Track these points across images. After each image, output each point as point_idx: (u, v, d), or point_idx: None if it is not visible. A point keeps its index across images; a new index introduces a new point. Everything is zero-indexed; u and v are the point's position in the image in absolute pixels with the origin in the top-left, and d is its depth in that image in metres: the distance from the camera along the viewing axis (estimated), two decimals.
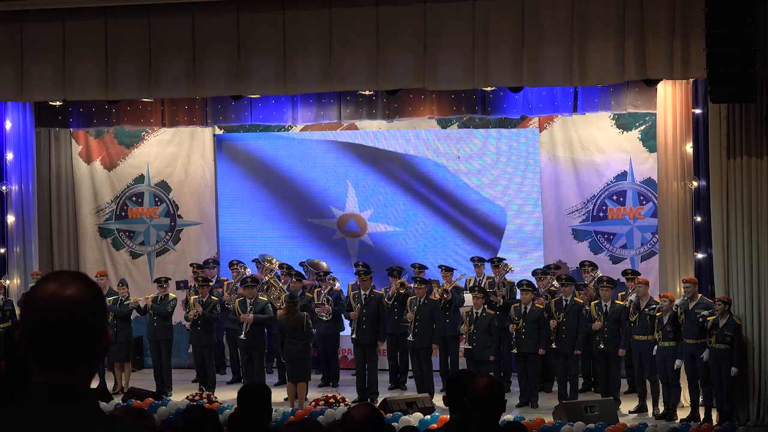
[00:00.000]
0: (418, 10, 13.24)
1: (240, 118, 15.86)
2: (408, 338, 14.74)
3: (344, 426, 4.41)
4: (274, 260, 16.19)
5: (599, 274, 15.15)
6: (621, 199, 16.37)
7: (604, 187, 16.42)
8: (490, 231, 16.92)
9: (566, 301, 14.22)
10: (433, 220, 17.07)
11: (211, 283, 15.72)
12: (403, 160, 17.14)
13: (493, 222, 16.88)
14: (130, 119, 16.16)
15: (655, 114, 14.06)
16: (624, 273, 14.86)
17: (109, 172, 17.98)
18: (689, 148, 13.65)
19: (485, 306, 14.42)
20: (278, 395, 13.81)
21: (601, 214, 16.46)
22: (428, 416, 12.74)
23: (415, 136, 17.12)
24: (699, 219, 13.66)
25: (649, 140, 15.83)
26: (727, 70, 11.35)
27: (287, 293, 14.88)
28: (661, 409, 13.44)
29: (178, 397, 14.40)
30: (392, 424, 11.37)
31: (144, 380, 15.47)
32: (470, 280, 15.78)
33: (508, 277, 15.52)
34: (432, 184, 17.05)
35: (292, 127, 17.11)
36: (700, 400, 13.16)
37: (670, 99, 13.64)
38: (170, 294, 15.33)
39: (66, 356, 2.35)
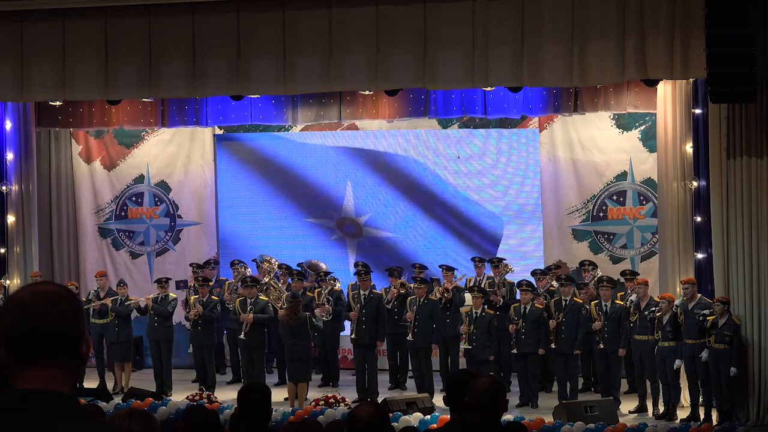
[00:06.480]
0: (418, 10, 13.23)
1: (240, 118, 15.85)
2: (407, 338, 14.74)
3: (350, 425, 4.41)
4: (274, 260, 16.17)
5: (599, 273, 15.14)
6: (621, 199, 16.36)
7: (604, 187, 16.41)
8: (487, 236, 16.91)
9: (566, 301, 14.22)
10: (432, 222, 17.05)
11: (211, 283, 15.72)
12: (403, 162, 17.13)
13: (491, 228, 16.89)
14: (130, 119, 16.15)
15: (655, 114, 14.06)
16: (623, 273, 14.83)
17: (109, 172, 17.98)
18: (689, 148, 13.65)
19: (485, 306, 14.42)
20: (278, 395, 13.81)
21: (601, 214, 16.45)
22: (428, 416, 12.74)
23: (415, 137, 17.10)
24: (699, 219, 13.66)
25: (649, 140, 15.83)
26: (727, 70, 11.34)
27: (288, 293, 14.87)
28: (661, 409, 13.44)
29: (178, 397, 14.40)
30: (392, 424, 11.38)
31: (144, 380, 15.47)
32: (470, 280, 15.78)
33: (508, 277, 15.53)
34: (430, 188, 17.03)
35: (292, 127, 17.10)
36: (700, 400, 13.16)
37: (670, 99, 13.64)
38: (170, 294, 15.33)
39: (45, 354, 2.33)
